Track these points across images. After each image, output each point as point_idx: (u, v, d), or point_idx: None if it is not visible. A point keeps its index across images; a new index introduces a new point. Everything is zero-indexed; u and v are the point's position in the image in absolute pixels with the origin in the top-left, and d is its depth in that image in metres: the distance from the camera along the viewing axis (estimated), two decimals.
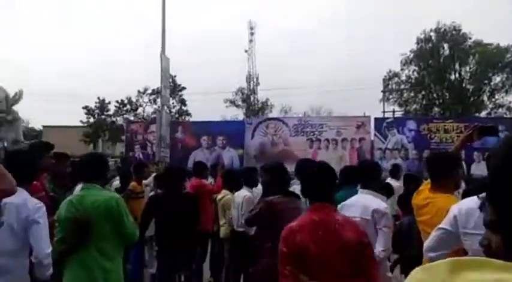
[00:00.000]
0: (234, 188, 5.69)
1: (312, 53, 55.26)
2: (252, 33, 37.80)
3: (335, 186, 2.67)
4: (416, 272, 0.70)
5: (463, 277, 0.63)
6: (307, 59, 53.76)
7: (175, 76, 31.76)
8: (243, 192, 5.26)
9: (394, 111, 28.72)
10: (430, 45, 28.59)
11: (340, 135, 13.97)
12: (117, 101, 33.26)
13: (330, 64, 54.97)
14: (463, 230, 2.36)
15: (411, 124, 14.32)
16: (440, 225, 2.52)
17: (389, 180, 7.05)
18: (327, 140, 14.05)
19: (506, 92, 27.66)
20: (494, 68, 27.25)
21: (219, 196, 5.84)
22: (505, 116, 24.99)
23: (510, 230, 0.74)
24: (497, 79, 27.87)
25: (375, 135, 14.00)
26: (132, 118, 30.83)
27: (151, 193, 5.99)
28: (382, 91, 30.33)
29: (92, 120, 33.04)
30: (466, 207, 2.37)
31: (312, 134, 14.16)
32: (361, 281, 2.38)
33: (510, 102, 27.55)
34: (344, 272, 2.35)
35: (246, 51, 37.67)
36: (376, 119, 14.68)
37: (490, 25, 45.90)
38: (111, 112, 33.65)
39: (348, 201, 3.57)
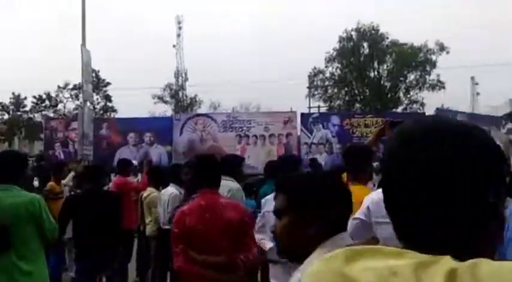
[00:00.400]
0: (161, 185, 5.62)
1: (241, 49, 55.59)
2: (180, 28, 37.17)
3: (219, 175, 3.04)
4: (314, 264, 0.72)
5: (358, 265, 0.66)
6: (236, 54, 53.96)
7: (99, 71, 30.50)
8: (170, 190, 5.19)
9: (319, 107, 29.72)
10: (351, 44, 29.84)
11: (268, 131, 14.19)
12: (34, 97, 31.30)
13: (259, 60, 55.58)
14: (375, 219, 2.51)
15: (335, 119, 14.88)
16: (355, 215, 2.67)
17: None
18: (255, 135, 14.21)
19: (420, 89, 29.61)
20: (409, 66, 29.10)
21: (145, 194, 5.73)
22: (418, 111, 26.81)
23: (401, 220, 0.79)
24: (411, 77, 29.77)
25: (301, 130, 14.39)
26: (51, 114, 29.28)
27: (72, 193, 5.77)
28: (307, 87, 31.26)
29: (6, 117, 30.87)
30: (377, 197, 2.52)
31: (240, 129, 14.24)
32: (241, 255, 2.78)
33: (423, 99, 29.58)
34: (228, 248, 2.76)
35: (174, 46, 37.01)
36: (302, 115, 15.08)
37: (405, 26, 48.99)
38: (28, 108, 31.64)
39: (270, 196, 3.64)
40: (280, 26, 60.51)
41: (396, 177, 0.76)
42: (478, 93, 36.75)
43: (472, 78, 36.73)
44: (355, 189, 3.02)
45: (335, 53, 30.23)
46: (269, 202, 3.61)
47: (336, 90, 31.09)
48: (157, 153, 13.91)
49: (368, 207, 2.56)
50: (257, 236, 3.51)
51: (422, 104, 29.16)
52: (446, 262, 0.62)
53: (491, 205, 0.73)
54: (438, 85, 28.78)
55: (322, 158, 13.39)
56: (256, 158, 12.83)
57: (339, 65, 30.62)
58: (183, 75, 36.37)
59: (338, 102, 30.83)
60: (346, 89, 30.69)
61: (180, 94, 36.40)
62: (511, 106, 28.62)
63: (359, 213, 2.64)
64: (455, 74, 42.65)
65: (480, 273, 0.58)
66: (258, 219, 3.69)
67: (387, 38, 29.39)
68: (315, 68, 31.05)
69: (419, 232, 0.73)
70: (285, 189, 1.54)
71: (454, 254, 0.64)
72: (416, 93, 29.88)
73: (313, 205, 1.44)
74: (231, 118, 14.77)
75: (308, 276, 0.71)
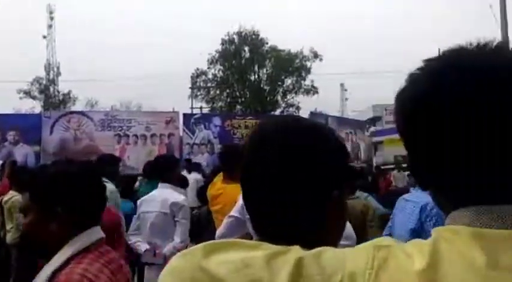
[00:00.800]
0: (25, 188, 5.14)
1: (122, 45, 53.18)
2: (51, 18, 34.30)
3: None
4: (174, 259, 0.71)
5: (215, 259, 0.67)
6: (116, 50, 51.52)
7: None
8: None
9: (201, 108, 29.82)
10: (233, 47, 30.49)
11: (150, 131, 13.85)
12: None
13: (141, 58, 53.85)
14: (248, 216, 2.60)
15: (216, 120, 15.08)
16: (231, 213, 2.74)
17: (184, 173, 7.45)
18: (136, 135, 13.77)
19: (296, 93, 31.32)
20: (286, 71, 30.67)
21: (5, 198, 5.21)
22: (294, 114, 28.42)
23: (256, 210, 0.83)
24: (288, 81, 31.38)
25: (184, 130, 14.32)
26: None
27: None
28: (190, 88, 31.15)
29: None
30: None
31: (119, 129, 13.69)
32: None
33: (299, 103, 31.36)
34: None
35: (44, 37, 34.06)
36: (184, 115, 15.02)
37: (283, 32, 51.64)
38: None
39: (147, 197, 3.59)
40: (164, 24, 59.42)
41: (255, 174, 0.80)
42: (346, 99, 40.37)
43: (342, 84, 40.19)
44: (230, 188, 3.11)
45: (217, 55, 30.58)
46: (145, 203, 3.54)
47: (218, 92, 31.42)
48: (23, 153, 12.71)
49: (242, 205, 2.64)
50: (132, 238, 3.42)
51: (298, 108, 30.90)
52: (295, 252, 0.67)
53: (337, 199, 0.81)
54: (312, 90, 30.73)
55: (203, 158, 13.50)
56: (136, 158, 12.46)
57: (221, 67, 31.03)
58: (55, 69, 33.69)
59: (220, 103, 31.21)
60: (228, 90, 31.18)
61: (51, 89, 33.60)
62: (374, 111, 31.98)
63: (234, 211, 2.72)
64: (327, 80, 46.12)
65: (322, 260, 0.64)
66: (133, 221, 3.59)
67: (267, 43, 30.62)
68: (197, 69, 31.07)
69: (273, 225, 0.79)
70: (28, 186, 1.56)
71: (303, 244, 0.70)
72: (293, 97, 31.57)
73: (54, 200, 1.45)
74: (110, 117, 14.12)
75: (167, 272, 0.71)
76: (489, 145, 0.61)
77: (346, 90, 40.35)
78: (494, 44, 0.66)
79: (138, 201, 3.64)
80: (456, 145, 0.62)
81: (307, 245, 0.69)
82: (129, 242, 3.40)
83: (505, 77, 0.62)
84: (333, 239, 0.81)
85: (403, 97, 0.69)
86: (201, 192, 5.10)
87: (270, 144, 0.80)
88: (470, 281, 0.55)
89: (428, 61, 0.69)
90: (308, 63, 30.33)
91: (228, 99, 31.08)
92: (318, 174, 0.78)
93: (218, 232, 2.80)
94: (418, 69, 0.69)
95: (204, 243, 0.72)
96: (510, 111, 0.61)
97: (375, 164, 16.78)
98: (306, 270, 0.63)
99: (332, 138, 0.84)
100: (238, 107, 30.59)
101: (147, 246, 3.39)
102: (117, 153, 10.64)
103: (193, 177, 8.11)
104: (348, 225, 2.34)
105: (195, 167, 9.50)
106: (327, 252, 0.66)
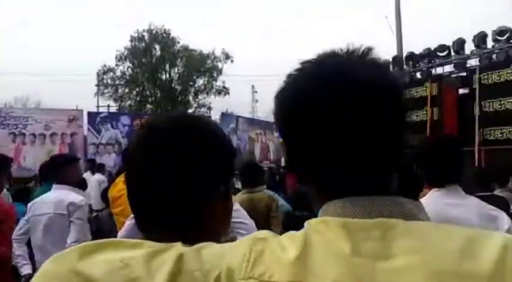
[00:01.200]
0: None
1: (17, 37, 49.07)
2: None
3: None
4: (46, 263, 0.68)
5: (91, 260, 0.65)
6: (10, 42, 47.33)
7: None
8: None
9: (109, 106, 28.53)
10: (143, 44, 29.60)
11: (49, 130, 13.11)
12: None
13: (39, 52, 50.03)
14: None
15: (125, 119, 14.64)
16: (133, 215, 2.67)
17: (86, 175, 7.14)
18: (33, 134, 12.93)
19: (207, 93, 31.28)
20: (198, 71, 30.53)
21: None
22: (206, 114, 28.37)
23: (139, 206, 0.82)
24: (200, 82, 31.25)
25: (89, 129, 13.75)
26: None
27: None
28: (96, 85, 29.66)
29: None
30: None
31: (14, 127, 12.76)
32: None
33: (210, 103, 31.37)
34: None
35: None
36: (89, 113, 14.45)
37: (196, 33, 51.40)
38: None
39: (39, 199, 3.36)
40: (68, 17, 55.97)
41: (140, 172, 0.80)
42: (257, 101, 41.14)
43: (253, 86, 40.94)
44: None
45: (126, 52, 29.50)
46: (37, 205, 3.31)
47: (127, 90, 30.30)
48: None
49: None
50: (16, 247, 3.16)
51: (210, 108, 30.86)
52: (176, 248, 0.67)
53: (223, 195, 0.83)
54: (223, 91, 30.89)
55: (111, 159, 13.15)
56: (34, 159, 11.71)
57: (131, 65, 29.98)
58: None
59: (129, 102, 30.14)
60: (137, 89, 30.20)
61: None
62: None
63: None
64: (238, 81, 46.64)
65: (202, 255, 0.65)
66: (21, 224, 3.33)
67: (178, 43, 30.20)
68: (104, 66, 29.66)
69: (157, 223, 0.78)
70: None
71: (187, 240, 0.70)
72: (204, 98, 31.45)
73: None
74: (3, 114, 13.12)
75: (36, 278, 0.67)
76: (361, 144, 0.65)
77: (256, 92, 41.16)
78: (361, 50, 0.69)
79: (29, 205, 3.38)
80: (331, 144, 0.65)
81: (191, 240, 0.69)
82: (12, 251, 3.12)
83: (373, 84, 0.65)
84: (218, 234, 0.83)
85: (283, 97, 0.71)
86: (105, 194, 4.90)
87: (155, 143, 0.79)
88: (336, 268, 0.59)
89: (305, 63, 0.71)
90: (219, 64, 30.48)
91: (138, 98, 30.12)
92: (203, 171, 0.79)
93: (119, 234, 2.70)
94: (296, 70, 0.71)
95: (79, 245, 0.70)
96: (378, 114, 0.65)
97: (283, 164, 17.31)
98: (186, 266, 0.64)
99: (218, 134, 0.86)
100: (148, 106, 29.77)
101: (29, 270, 3.16)
102: (11, 154, 9.93)
103: (96, 179, 7.76)
104: (252, 223, 2.38)
105: (99, 168, 9.12)
106: (207, 248, 0.67)
